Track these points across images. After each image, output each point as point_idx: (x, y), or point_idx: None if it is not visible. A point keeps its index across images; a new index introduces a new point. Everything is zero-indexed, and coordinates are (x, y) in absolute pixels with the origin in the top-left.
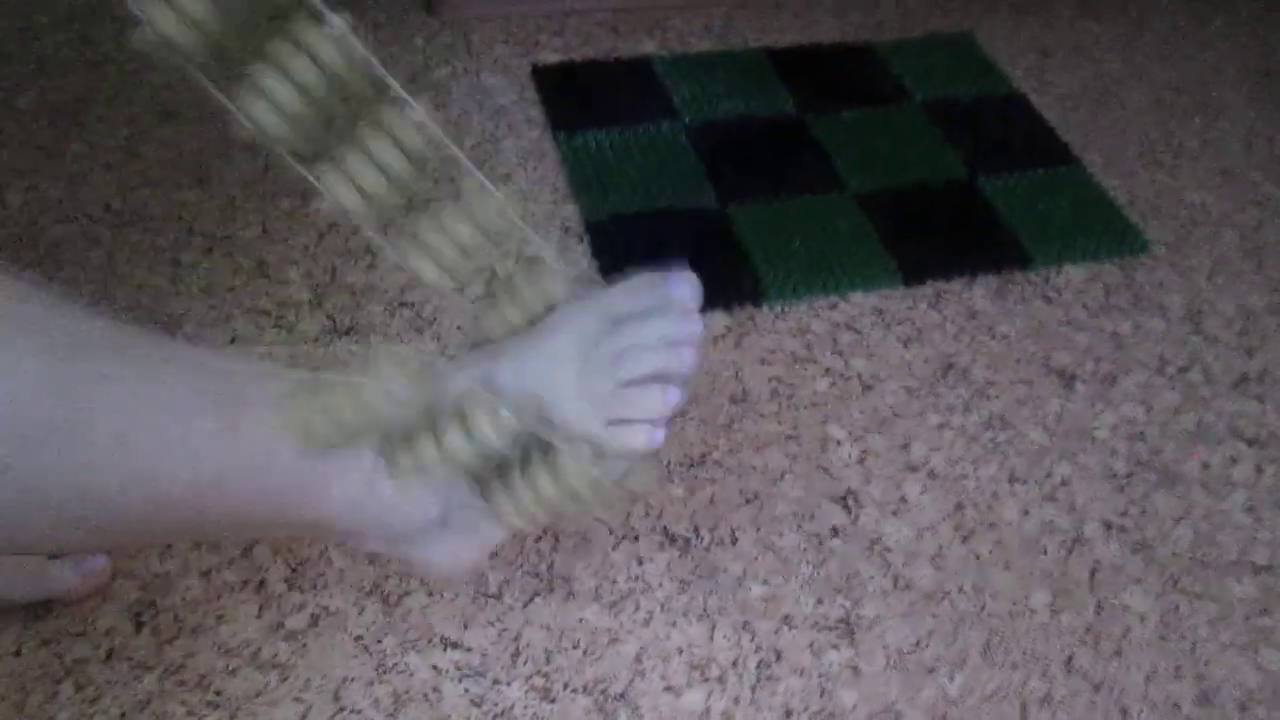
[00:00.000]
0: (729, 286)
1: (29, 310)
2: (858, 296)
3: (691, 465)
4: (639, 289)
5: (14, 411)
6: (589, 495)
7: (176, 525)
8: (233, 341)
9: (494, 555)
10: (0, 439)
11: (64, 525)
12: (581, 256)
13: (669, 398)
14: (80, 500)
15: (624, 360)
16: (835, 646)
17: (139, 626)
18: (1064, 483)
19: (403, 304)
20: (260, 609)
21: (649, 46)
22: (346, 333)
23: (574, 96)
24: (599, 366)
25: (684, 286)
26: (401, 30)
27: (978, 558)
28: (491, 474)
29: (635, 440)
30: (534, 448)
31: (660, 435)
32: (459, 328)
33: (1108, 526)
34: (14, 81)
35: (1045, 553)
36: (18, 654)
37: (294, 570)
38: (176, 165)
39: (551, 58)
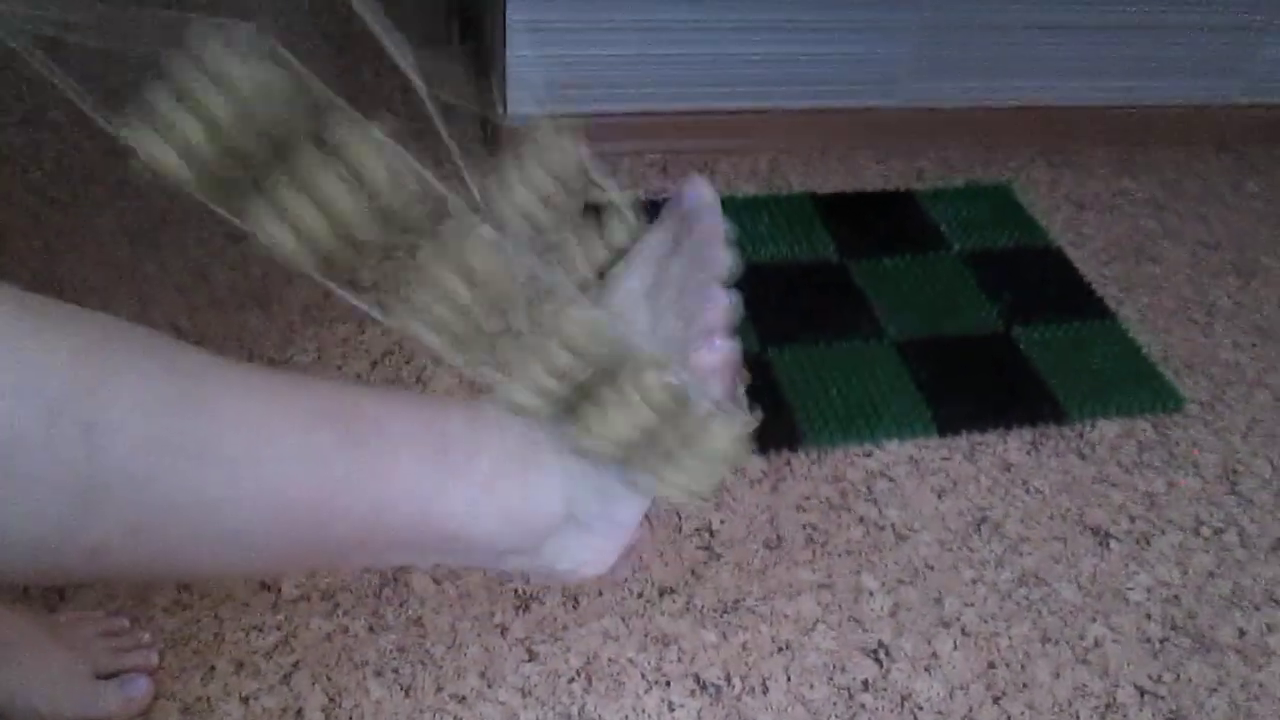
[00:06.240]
0: (767, 430)
1: (145, 337)
2: (893, 445)
3: (725, 611)
4: (666, 217)
5: (148, 427)
6: (674, 411)
7: (294, 547)
8: None
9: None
10: (136, 450)
11: (186, 542)
12: None
13: (717, 304)
14: (208, 514)
15: (678, 298)
16: None
17: None
18: (1097, 644)
19: None
20: None
21: None
22: None
23: None
24: (664, 315)
25: (692, 192)
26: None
27: None
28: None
29: (701, 359)
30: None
31: (718, 344)
32: None
33: (1141, 693)
34: (96, 202)
35: (1078, 718)
36: None
37: (331, 699)
38: (242, 289)
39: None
